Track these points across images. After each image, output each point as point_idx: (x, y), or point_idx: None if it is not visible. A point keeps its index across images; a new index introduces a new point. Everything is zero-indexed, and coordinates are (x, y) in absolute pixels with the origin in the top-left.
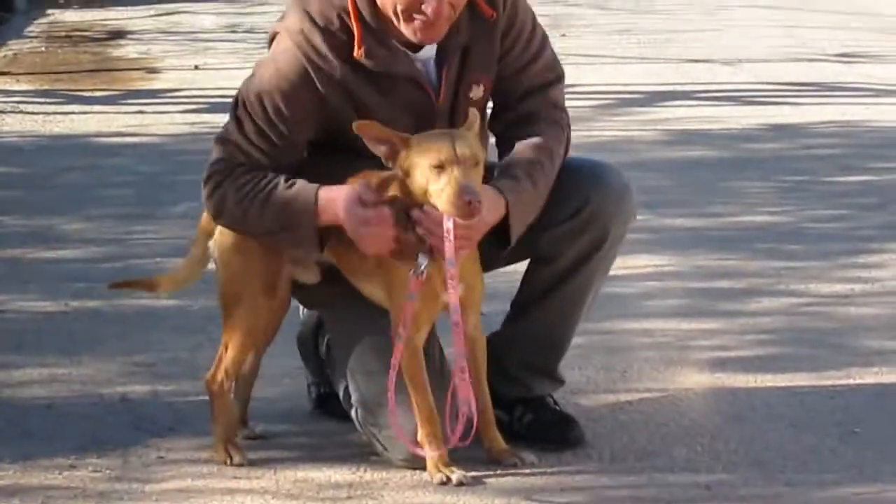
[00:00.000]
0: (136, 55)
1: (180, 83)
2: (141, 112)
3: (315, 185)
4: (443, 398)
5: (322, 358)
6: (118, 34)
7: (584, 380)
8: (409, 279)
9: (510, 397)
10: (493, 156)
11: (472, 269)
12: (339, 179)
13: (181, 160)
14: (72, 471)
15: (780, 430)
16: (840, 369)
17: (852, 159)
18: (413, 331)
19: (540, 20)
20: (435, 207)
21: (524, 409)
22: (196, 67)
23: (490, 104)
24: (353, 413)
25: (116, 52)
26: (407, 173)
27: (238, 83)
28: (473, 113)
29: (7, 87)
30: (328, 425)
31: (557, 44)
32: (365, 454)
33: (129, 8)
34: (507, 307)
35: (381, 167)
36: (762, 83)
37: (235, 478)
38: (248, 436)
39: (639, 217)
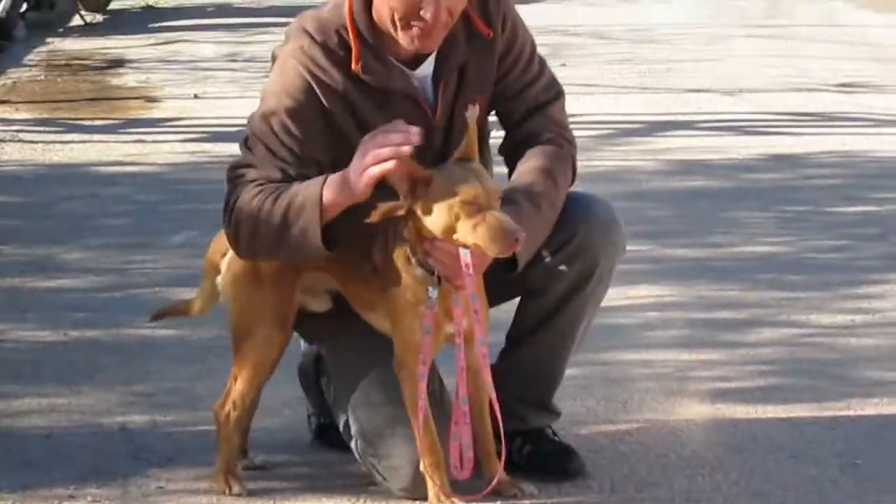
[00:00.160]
0: (135, 84)
1: (180, 112)
2: (140, 141)
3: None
4: (444, 429)
5: (323, 389)
6: (118, 63)
7: (584, 410)
8: (421, 313)
9: (507, 430)
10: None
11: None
12: (348, 211)
13: (181, 189)
14: (71, 501)
15: (780, 461)
16: (841, 400)
17: (853, 189)
18: (415, 362)
19: (540, 50)
20: (450, 242)
21: (523, 441)
22: (196, 96)
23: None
24: (353, 444)
25: (116, 81)
26: (428, 210)
27: (238, 112)
28: (472, 129)
29: (6, 115)
30: (328, 456)
31: (558, 73)
32: (364, 485)
33: (129, 36)
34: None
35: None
36: (763, 113)
37: None
38: (248, 466)
39: (640, 247)
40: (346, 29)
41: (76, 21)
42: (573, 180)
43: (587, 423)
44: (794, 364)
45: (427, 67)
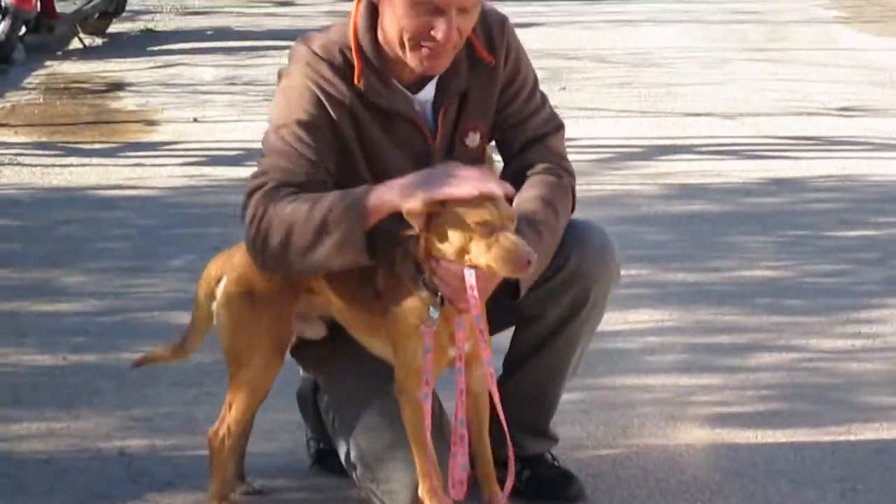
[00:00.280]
0: (134, 107)
1: (179, 136)
2: (140, 164)
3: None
4: (444, 453)
5: (321, 414)
6: (117, 86)
7: (583, 435)
8: (422, 332)
9: (505, 456)
10: None
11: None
12: None
13: (180, 213)
14: None
15: (780, 485)
16: (841, 425)
17: (853, 213)
18: (416, 385)
19: (540, 73)
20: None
21: (522, 466)
22: (195, 120)
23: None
24: (353, 473)
25: (115, 104)
26: (441, 231)
27: (237, 136)
28: (489, 158)
29: (5, 138)
30: (327, 481)
31: (557, 97)
32: None
33: (128, 60)
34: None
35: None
36: (762, 137)
37: None
38: (246, 491)
39: (639, 271)
40: (350, 49)
41: (75, 44)
42: (573, 210)
43: (587, 447)
44: (794, 388)
45: (428, 92)
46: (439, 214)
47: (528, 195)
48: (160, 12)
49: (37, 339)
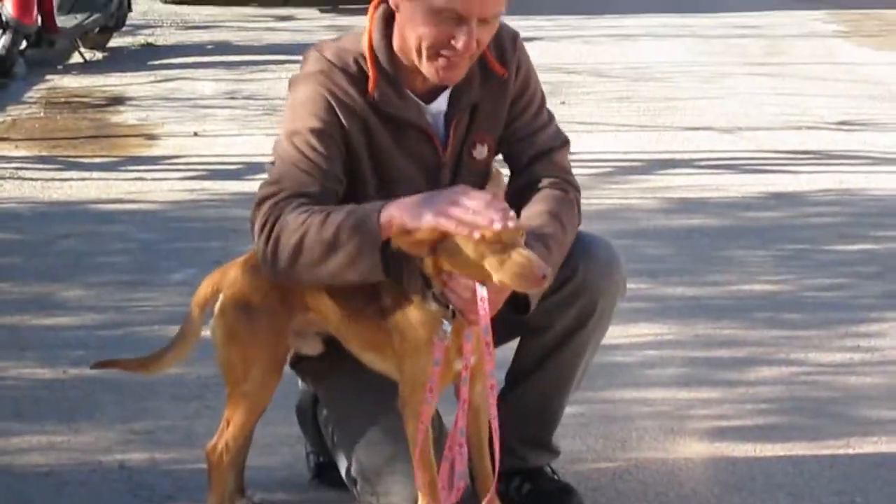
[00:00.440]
0: (135, 121)
1: (179, 150)
2: (140, 179)
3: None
4: (439, 464)
5: (321, 427)
6: (117, 100)
7: (583, 448)
8: (432, 346)
9: (507, 468)
10: None
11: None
12: None
13: (180, 227)
14: None
15: (779, 499)
16: (840, 438)
17: (851, 227)
18: (421, 400)
19: None
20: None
21: (522, 479)
22: (195, 134)
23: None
24: (353, 487)
25: (115, 119)
26: (451, 253)
27: (238, 150)
28: (498, 172)
29: (5, 152)
30: (327, 494)
31: (557, 111)
32: None
33: (129, 74)
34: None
35: None
36: (762, 151)
37: None
38: None
39: (638, 285)
40: (364, 58)
41: (76, 58)
42: (578, 224)
43: (586, 461)
44: (793, 402)
45: (441, 104)
46: (446, 237)
47: (536, 210)
48: (160, 27)
49: (37, 352)
